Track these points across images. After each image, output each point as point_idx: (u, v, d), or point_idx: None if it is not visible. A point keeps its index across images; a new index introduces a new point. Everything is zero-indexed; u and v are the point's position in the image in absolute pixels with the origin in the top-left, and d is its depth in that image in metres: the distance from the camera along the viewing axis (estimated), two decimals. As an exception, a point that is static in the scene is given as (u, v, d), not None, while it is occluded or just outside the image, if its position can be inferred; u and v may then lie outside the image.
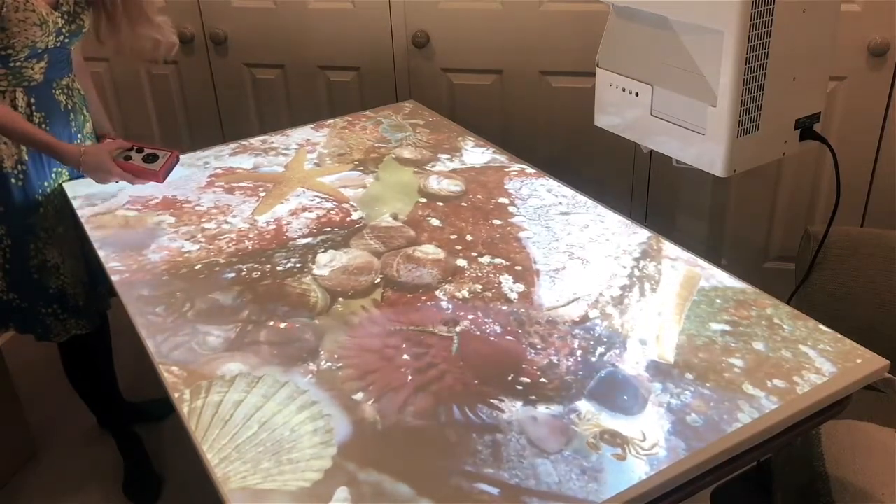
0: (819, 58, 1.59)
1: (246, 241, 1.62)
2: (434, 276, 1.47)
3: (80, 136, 1.94)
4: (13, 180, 1.81)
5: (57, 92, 1.86)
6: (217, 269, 1.53)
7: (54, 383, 2.53)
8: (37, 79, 1.79)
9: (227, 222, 1.69)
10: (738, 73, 1.48)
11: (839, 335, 1.28)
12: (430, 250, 1.55)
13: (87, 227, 1.70)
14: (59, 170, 1.89)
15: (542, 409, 1.15)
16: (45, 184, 1.86)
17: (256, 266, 1.53)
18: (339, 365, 1.26)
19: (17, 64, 1.74)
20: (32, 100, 1.80)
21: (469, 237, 1.59)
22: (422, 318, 1.36)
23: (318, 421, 1.15)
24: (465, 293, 1.42)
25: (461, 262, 1.51)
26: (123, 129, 3.00)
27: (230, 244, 1.61)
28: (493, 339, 1.30)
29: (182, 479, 2.16)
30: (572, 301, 1.39)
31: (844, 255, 1.78)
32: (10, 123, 1.75)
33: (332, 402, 1.19)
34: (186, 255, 1.58)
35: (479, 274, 1.47)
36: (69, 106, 1.90)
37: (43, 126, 1.83)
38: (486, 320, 1.34)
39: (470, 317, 1.35)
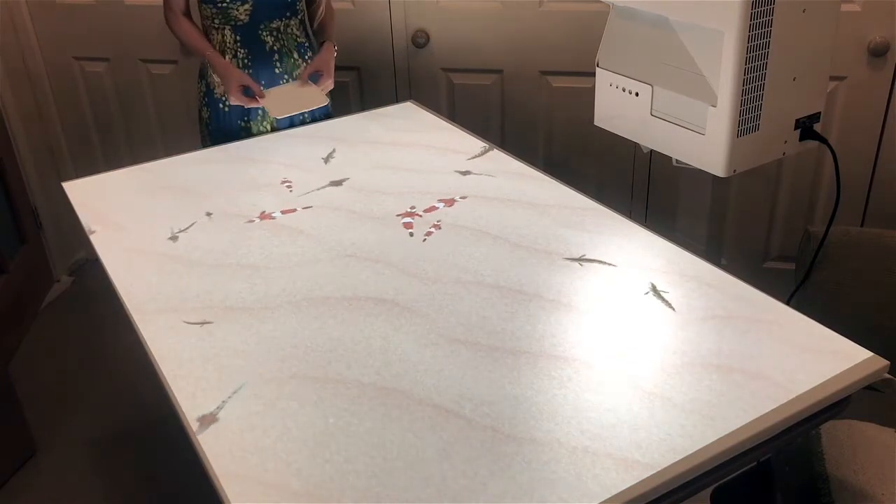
0: (819, 58, 1.59)
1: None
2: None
3: (286, 76, 2.18)
4: (221, 105, 2.15)
5: (264, 33, 2.11)
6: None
7: (54, 383, 2.53)
8: (242, 19, 2.08)
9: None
10: (738, 73, 1.48)
11: (839, 335, 1.28)
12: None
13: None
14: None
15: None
16: (250, 113, 2.16)
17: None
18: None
19: (224, 5, 2.05)
20: (238, 37, 2.10)
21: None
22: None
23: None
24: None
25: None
26: (125, 128, 3.01)
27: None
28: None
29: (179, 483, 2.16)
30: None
31: (844, 255, 1.78)
32: (184, 36, 2.11)
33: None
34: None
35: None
36: (276, 48, 2.14)
37: (246, 61, 2.12)
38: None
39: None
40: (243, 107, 2.11)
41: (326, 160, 1.96)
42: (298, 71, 2.19)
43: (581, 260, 1.51)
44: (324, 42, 2.21)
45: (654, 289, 1.42)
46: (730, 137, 1.54)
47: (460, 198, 1.75)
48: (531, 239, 1.58)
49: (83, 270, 3.09)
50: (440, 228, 1.63)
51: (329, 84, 2.15)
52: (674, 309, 1.36)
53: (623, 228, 1.61)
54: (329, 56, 2.17)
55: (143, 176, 1.93)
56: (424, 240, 1.59)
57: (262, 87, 2.08)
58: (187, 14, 2.14)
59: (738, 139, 1.55)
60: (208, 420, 1.17)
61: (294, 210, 1.73)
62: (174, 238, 1.64)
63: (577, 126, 2.49)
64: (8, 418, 2.19)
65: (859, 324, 1.60)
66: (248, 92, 2.06)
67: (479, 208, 1.70)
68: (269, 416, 1.17)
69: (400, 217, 1.68)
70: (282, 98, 2.09)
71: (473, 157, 1.93)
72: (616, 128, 1.82)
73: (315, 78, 2.14)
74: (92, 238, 1.66)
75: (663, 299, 1.39)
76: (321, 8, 2.21)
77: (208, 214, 1.73)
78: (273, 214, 1.72)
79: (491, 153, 1.95)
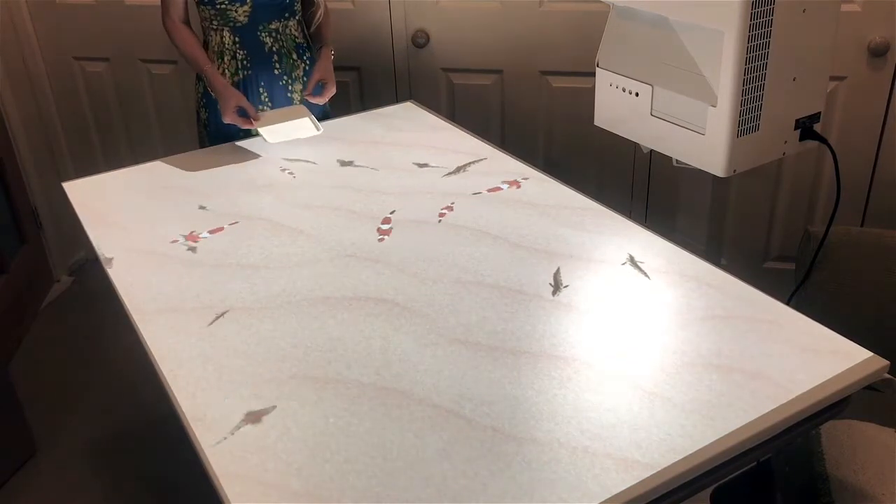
0: (819, 58, 1.59)
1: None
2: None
3: (286, 77, 2.17)
4: (219, 106, 2.05)
5: (263, 35, 2.11)
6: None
7: (54, 383, 2.53)
8: (241, 21, 2.07)
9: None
10: (738, 73, 1.48)
11: (839, 335, 1.28)
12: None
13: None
14: (266, 101, 2.17)
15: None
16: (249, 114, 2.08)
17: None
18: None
19: (223, 6, 2.05)
20: (237, 38, 2.09)
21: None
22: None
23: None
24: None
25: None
26: (125, 128, 3.01)
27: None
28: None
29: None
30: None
31: (844, 255, 1.78)
32: (182, 45, 2.08)
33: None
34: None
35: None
36: (275, 48, 2.13)
37: (245, 62, 2.12)
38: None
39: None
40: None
41: (326, 160, 1.96)
42: (297, 72, 2.19)
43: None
44: (321, 47, 2.21)
45: (653, 289, 1.42)
46: (730, 137, 1.54)
47: (461, 197, 1.75)
48: (531, 239, 1.58)
49: (83, 270, 3.09)
50: (436, 228, 1.63)
51: (333, 91, 2.14)
52: (673, 309, 1.36)
53: (623, 228, 1.61)
54: (329, 63, 2.16)
55: (143, 176, 1.93)
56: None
57: (257, 111, 2.06)
58: (186, 22, 2.13)
59: (738, 139, 1.55)
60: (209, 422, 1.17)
61: (292, 210, 1.73)
62: (174, 238, 1.64)
63: (577, 126, 2.49)
64: (8, 418, 2.19)
65: (859, 324, 1.60)
66: (242, 112, 2.04)
67: (479, 208, 1.70)
68: (269, 416, 1.17)
69: (399, 216, 1.68)
70: (276, 123, 2.05)
71: (475, 161, 1.93)
72: (616, 128, 1.82)
73: (319, 87, 2.13)
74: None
75: (663, 299, 1.39)
76: (320, 10, 2.21)
77: (206, 209, 1.73)
78: (271, 214, 1.72)
79: (493, 154, 1.95)
